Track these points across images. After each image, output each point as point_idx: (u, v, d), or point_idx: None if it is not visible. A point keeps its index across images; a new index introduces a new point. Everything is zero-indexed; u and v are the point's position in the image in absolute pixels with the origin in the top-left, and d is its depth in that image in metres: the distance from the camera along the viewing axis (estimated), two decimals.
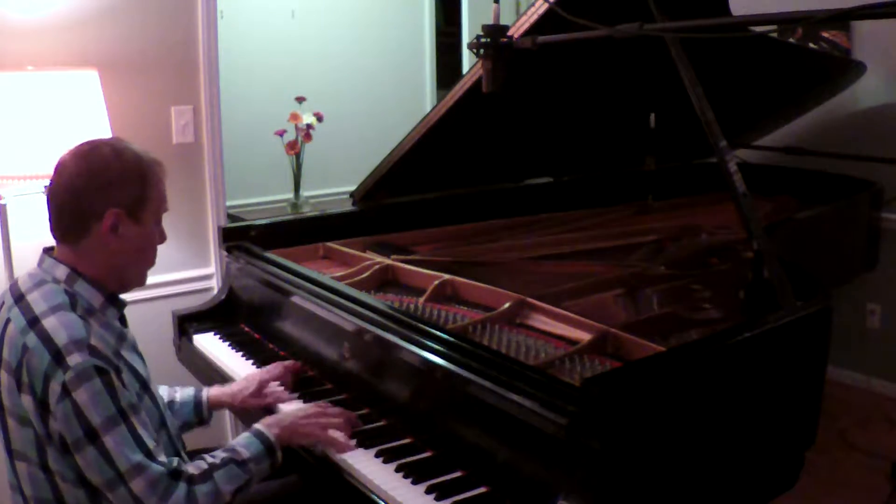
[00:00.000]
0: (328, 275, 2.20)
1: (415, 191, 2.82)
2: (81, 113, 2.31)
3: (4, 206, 2.40)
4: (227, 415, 2.91)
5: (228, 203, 3.03)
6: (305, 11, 4.57)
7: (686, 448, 1.47)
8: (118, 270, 1.57)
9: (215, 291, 2.77)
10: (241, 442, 1.58)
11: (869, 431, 3.36)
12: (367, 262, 2.33)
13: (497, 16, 1.93)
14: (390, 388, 1.77)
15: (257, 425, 1.63)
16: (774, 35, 2.73)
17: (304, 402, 1.87)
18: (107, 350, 1.46)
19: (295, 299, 2.11)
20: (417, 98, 5.10)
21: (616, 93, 2.79)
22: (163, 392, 1.85)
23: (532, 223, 2.87)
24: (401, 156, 2.60)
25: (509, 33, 1.93)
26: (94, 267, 1.54)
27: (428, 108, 3.70)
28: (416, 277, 2.24)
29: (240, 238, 2.46)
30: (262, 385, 1.92)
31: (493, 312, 1.94)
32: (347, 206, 2.78)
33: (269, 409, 1.86)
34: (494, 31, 1.89)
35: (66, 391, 1.39)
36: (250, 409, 1.91)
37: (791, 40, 3.59)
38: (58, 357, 1.40)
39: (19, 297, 1.51)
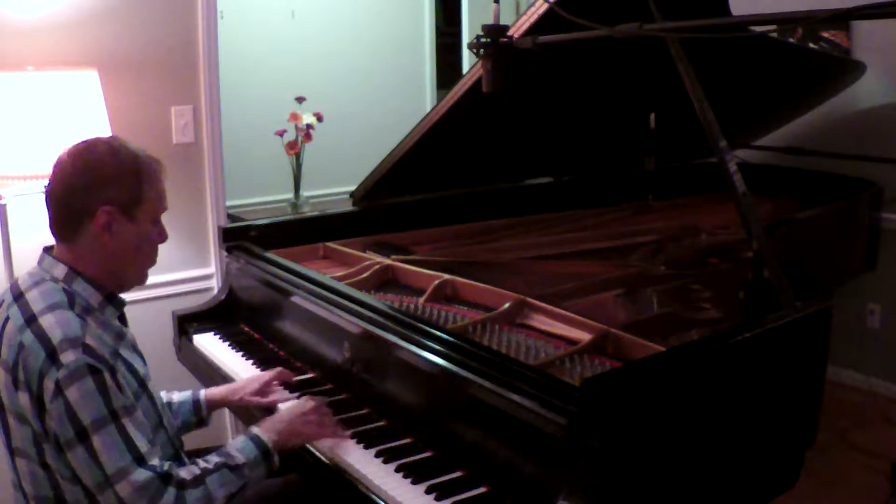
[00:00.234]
0: (328, 275, 2.20)
1: (415, 191, 2.82)
2: (81, 113, 2.31)
3: (4, 206, 2.40)
4: (227, 415, 2.91)
5: (228, 203, 3.03)
6: (305, 11, 4.57)
7: (686, 448, 1.47)
8: (116, 269, 1.57)
9: (215, 291, 2.77)
10: (237, 446, 1.56)
11: (869, 431, 3.36)
12: (367, 262, 2.34)
13: (497, 16, 1.93)
14: (390, 388, 1.77)
15: (254, 429, 1.62)
16: (774, 35, 2.72)
17: None
18: (102, 349, 1.45)
19: (295, 299, 2.11)
20: (417, 98, 5.10)
21: (616, 92, 2.79)
22: (161, 394, 1.85)
23: (532, 223, 2.87)
24: (401, 156, 2.60)
25: (509, 33, 1.93)
26: (92, 265, 1.54)
27: (428, 108, 3.70)
28: (416, 277, 2.24)
29: (240, 238, 2.46)
30: (265, 385, 1.91)
31: (494, 312, 1.94)
32: (347, 206, 2.78)
33: (269, 409, 1.86)
34: (494, 31, 1.89)
35: (59, 389, 1.38)
36: (249, 406, 1.91)
37: (791, 40, 3.59)
38: (52, 355, 1.40)
39: (18, 296, 1.51)
